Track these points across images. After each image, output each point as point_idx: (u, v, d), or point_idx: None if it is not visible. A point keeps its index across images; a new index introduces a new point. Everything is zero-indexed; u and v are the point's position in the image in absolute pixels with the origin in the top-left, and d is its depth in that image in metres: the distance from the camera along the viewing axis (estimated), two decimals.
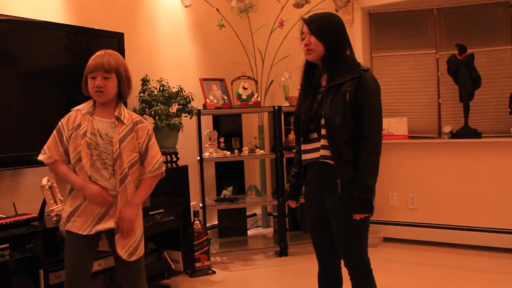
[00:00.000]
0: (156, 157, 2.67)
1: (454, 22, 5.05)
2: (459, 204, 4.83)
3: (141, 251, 2.67)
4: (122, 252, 2.58)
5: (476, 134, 4.76)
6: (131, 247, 2.61)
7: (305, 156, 2.58)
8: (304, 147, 2.58)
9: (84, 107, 2.64)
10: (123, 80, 2.62)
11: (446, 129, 4.97)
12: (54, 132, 2.63)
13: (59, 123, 2.64)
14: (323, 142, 2.44)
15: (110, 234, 2.61)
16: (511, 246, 4.57)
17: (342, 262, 2.61)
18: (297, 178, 2.71)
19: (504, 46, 4.83)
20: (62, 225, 2.61)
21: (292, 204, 2.80)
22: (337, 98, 2.40)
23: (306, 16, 2.56)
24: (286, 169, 5.11)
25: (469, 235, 4.76)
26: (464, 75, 4.76)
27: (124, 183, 2.57)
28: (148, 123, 2.73)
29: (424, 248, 4.87)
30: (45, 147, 2.62)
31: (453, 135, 4.89)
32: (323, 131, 2.44)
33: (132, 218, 2.58)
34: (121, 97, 2.67)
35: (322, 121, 2.43)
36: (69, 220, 2.58)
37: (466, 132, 4.81)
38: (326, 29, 2.47)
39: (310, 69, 2.61)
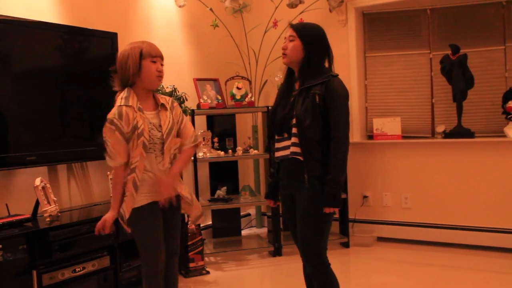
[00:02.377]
0: (192, 130, 2.87)
1: (447, 22, 5.06)
2: (452, 204, 4.84)
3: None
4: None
5: (469, 134, 4.78)
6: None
7: (277, 154, 2.76)
8: (277, 145, 2.76)
9: (131, 102, 2.64)
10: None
11: (440, 129, 4.98)
12: (117, 134, 2.59)
13: (116, 121, 2.59)
14: (294, 140, 2.63)
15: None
16: (504, 245, 4.59)
17: None
18: (275, 178, 2.86)
19: (497, 46, 4.84)
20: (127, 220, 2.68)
21: (271, 203, 2.96)
22: (308, 100, 2.59)
23: (294, 22, 2.78)
24: None
25: (463, 234, 4.78)
26: (457, 75, 4.78)
27: (174, 160, 2.77)
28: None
29: (418, 248, 4.89)
30: (112, 150, 2.62)
31: (447, 135, 4.90)
32: (294, 130, 2.62)
33: (169, 188, 2.70)
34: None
35: (293, 121, 2.62)
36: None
37: (459, 132, 4.82)
38: (308, 37, 2.67)
39: (290, 74, 2.81)
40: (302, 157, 2.60)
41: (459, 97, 4.81)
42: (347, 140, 2.62)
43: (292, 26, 2.73)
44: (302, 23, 2.82)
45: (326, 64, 2.74)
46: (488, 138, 4.77)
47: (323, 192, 2.55)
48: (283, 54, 2.73)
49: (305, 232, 2.65)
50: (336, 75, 2.67)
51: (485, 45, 4.89)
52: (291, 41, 2.69)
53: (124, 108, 2.60)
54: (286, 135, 2.68)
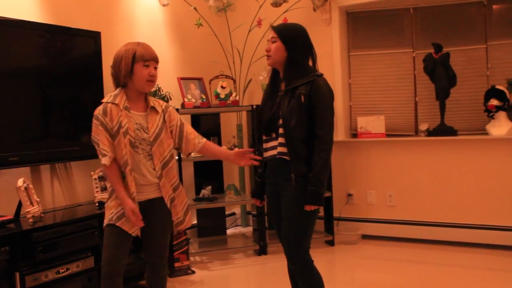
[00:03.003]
0: (194, 136, 2.92)
1: (430, 21, 5.10)
2: (436, 201, 4.88)
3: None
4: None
5: (452, 132, 4.82)
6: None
7: (265, 154, 2.79)
8: (265, 145, 2.80)
9: (119, 100, 2.64)
10: None
11: (423, 127, 5.02)
12: (101, 128, 2.60)
13: (100, 117, 2.61)
14: (281, 140, 2.66)
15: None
16: (488, 241, 4.64)
17: None
18: (262, 177, 2.88)
19: (479, 45, 4.89)
20: (111, 220, 2.66)
21: (257, 202, 3.00)
22: (293, 100, 2.62)
23: (277, 22, 2.82)
24: None
25: (447, 231, 4.82)
26: (440, 74, 4.82)
27: (166, 167, 2.74)
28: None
29: (403, 245, 4.91)
30: (103, 146, 2.60)
31: (430, 133, 4.94)
32: (280, 130, 2.65)
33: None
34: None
35: (280, 121, 2.65)
36: (120, 219, 2.65)
37: (442, 130, 4.86)
38: (290, 38, 2.69)
39: (275, 75, 2.83)
40: (288, 157, 2.63)
41: (442, 95, 4.85)
42: (331, 139, 2.65)
43: (273, 27, 2.76)
44: (283, 24, 2.84)
45: (311, 63, 2.76)
46: (471, 136, 4.82)
47: (304, 190, 2.58)
48: (267, 56, 2.75)
49: (289, 230, 2.67)
50: (321, 75, 2.69)
51: (467, 44, 4.94)
52: (273, 42, 2.71)
53: (109, 105, 2.62)
54: (274, 135, 2.70)
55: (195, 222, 5.31)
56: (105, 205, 2.74)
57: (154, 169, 2.69)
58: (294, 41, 2.69)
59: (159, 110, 2.77)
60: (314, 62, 2.77)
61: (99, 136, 2.61)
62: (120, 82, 2.67)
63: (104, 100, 2.67)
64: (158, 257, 2.83)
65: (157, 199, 2.74)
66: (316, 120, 2.61)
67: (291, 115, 2.60)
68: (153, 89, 4.41)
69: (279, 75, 2.80)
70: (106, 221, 2.68)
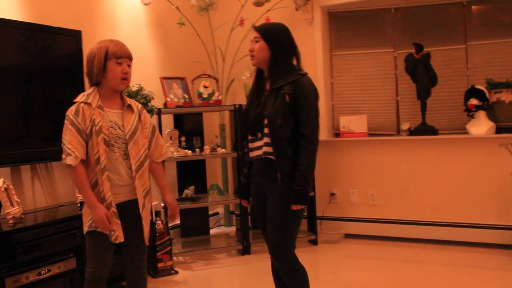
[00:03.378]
0: (163, 144, 2.90)
1: (411, 21, 5.14)
2: (418, 200, 4.92)
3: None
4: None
5: (433, 131, 4.86)
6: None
7: (251, 154, 2.79)
8: (250, 145, 2.80)
9: (91, 99, 2.61)
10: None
11: (404, 126, 5.06)
12: (70, 127, 2.55)
13: (71, 117, 2.56)
14: (266, 139, 2.66)
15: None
16: (468, 239, 4.69)
17: None
18: (247, 178, 2.89)
19: (459, 45, 4.94)
20: (90, 226, 2.63)
21: (244, 203, 2.99)
22: (278, 100, 2.62)
23: (257, 25, 2.82)
24: None
25: (428, 229, 4.86)
26: (421, 73, 4.85)
27: (141, 169, 2.69)
28: None
29: (385, 244, 4.94)
30: (69, 145, 2.54)
31: (411, 132, 4.98)
32: (266, 130, 2.65)
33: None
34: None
35: (265, 121, 2.65)
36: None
37: (423, 129, 4.90)
38: (272, 37, 2.69)
39: (260, 74, 2.82)
40: (274, 156, 2.63)
41: (423, 95, 4.89)
42: (316, 138, 2.66)
43: (255, 28, 2.76)
44: (266, 24, 2.85)
45: (295, 62, 2.76)
46: (451, 135, 4.86)
47: (290, 189, 2.59)
48: (251, 56, 2.75)
49: (275, 229, 2.67)
50: (305, 74, 2.70)
51: (447, 44, 4.99)
52: (256, 42, 2.72)
53: (81, 105, 2.58)
54: (259, 135, 2.71)
55: (178, 222, 5.29)
56: (82, 211, 2.69)
57: (130, 168, 2.66)
58: (277, 40, 2.69)
59: (135, 109, 2.75)
60: (298, 61, 2.77)
61: (66, 135, 2.55)
62: (93, 80, 2.64)
63: (76, 100, 2.62)
64: (137, 259, 2.80)
65: (134, 201, 2.71)
66: (301, 119, 2.61)
67: (276, 115, 2.59)
68: (135, 88, 4.38)
69: (264, 74, 2.79)
70: (85, 228, 2.65)
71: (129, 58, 2.67)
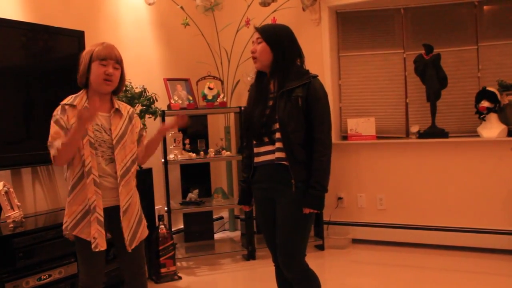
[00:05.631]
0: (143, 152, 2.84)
1: (420, 22, 5.08)
2: (427, 204, 4.85)
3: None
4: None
5: (443, 134, 4.79)
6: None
7: (258, 159, 2.69)
8: (257, 150, 2.70)
9: (77, 102, 2.59)
10: (123, 75, 2.69)
11: (414, 129, 4.99)
12: (54, 124, 2.55)
13: (57, 116, 2.55)
14: (278, 144, 2.58)
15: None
16: (479, 245, 4.61)
17: None
18: (247, 183, 2.82)
19: (470, 46, 4.87)
20: (69, 229, 2.59)
21: (246, 208, 2.95)
22: (290, 103, 2.55)
23: (259, 26, 2.75)
24: None
25: (438, 235, 4.78)
26: (431, 75, 4.79)
27: (127, 175, 2.63)
28: None
29: (393, 249, 4.88)
30: (51, 139, 2.53)
31: (421, 135, 4.91)
32: (277, 135, 2.58)
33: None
34: (116, 92, 2.71)
35: (276, 126, 2.57)
36: (75, 228, 2.57)
37: (433, 132, 4.83)
38: (276, 38, 2.63)
39: (260, 77, 2.76)
40: (287, 162, 2.55)
41: (433, 97, 4.82)
42: (330, 142, 2.60)
43: (257, 28, 2.70)
44: (268, 24, 2.78)
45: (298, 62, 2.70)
46: (462, 138, 4.79)
47: (306, 194, 2.54)
48: (253, 58, 2.69)
49: (286, 236, 2.60)
50: (316, 76, 2.64)
51: (458, 45, 4.92)
52: (259, 43, 2.65)
53: (66, 106, 2.58)
54: (266, 140, 2.62)
55: (182, 226, 5.23)
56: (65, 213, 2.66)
57: (116, 173, 2.60)
58: (280, 41, 2.63)
59: (124, 113, 2.70)
60: (302, 62, 2.71)
61: (52, 130, 2.54)
62: (78, 81, 2.63)
63: (63, 102, 2.60)
64: (135, 267, 2.74)
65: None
66: (314, 123, 2.56)
67: (289, 119, 2.53)
68: (139, 90, 4.32)
69: (265, 76, 2.72)
70: (63, 228, 2.63)
71: (116, 60, 2.61)
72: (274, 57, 2.62)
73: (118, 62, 2.62)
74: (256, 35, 2.68)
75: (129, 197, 2.66)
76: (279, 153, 2.57)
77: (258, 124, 2.64)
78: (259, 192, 2.75)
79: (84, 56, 2.60)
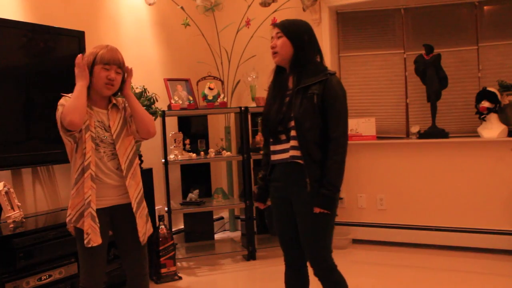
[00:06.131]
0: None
1: (421, 22, 5.07)
2: (427, 205, 4.84)
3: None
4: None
5: (443, 134, 4.78)
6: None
7: (274, 157, 2.65)
8: (273, 148, 2.66)
9: None
10: (124, 78, 2.69)
11: (414, 129, 4.98)
12: (59, 107, 2.54)
13: (64, 102, 2.54)
14: (293, 143, 2.53)
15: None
16: (479, 245, 4.60)
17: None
18: (265, 180, 2.77)
19: (470, 46, 4.86)
20: (73, 222, 2.58)
21: (261, 206, 2.86)
22: (306, 100, 2.50)
23: (277, 22, 2.68)
24: (254, 171, 5.03)
25: (438, 235, 4.78)
26: (431, 75, 4.78)
27: (132, 167, 2.65)
28: None
29: (394, 249, 4.86)
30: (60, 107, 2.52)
31: (421, 135, 4.90)
32: (292, 133, 2.53)
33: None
34: (115, 94, 2.73)
35: (292, 123, 2.52)
36: (78, 221, 2.56)
37: (433, 132, 4.82)
38: (296, 32, 2.59)
39: (279, 72, 2.70)
40: (302, 161, 2.51)
41: (433, 97, 4.81)
42: (346, 141, 2.54)
43: (275, 24, 2.66)
44: (287, 20, 2.71)
45: (317, 58, 2.65)
46: (462, 138, 4.79)
47: (318, 193, 2.48)
48: (273, 53, 2.63)
49: (308, 235, 2.57)
50: (334, 73, 2.57)
51: (458, 45, 4.91)
52: (278, 38, 2.60)
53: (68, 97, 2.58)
54: (283, 137, 2.58)
55: (182, 226, 5.22)
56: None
57: (118, 168, 2.61)
58: (300, 36, 2.58)
59: (120, 107, 2.73)
60: (322, 58, 2.65)
61: (62, 107, 2.51)
62: None
63: (65, 95, 2.61)
64: (137, 268, 2.73)
65: (124, 206, 2.64)
66: (330, 121, 2.50)
67: (304, 117, 2.48)
68: (139, 90, 4.32)
69: (283, 73, 2.67)
70: (66, 221, 2.61)
71: (118, 65, 2.62)
72: (295, 51, 2.57)
73: (121, 67, 2.63)
74: (276, 30, 2.63)
75: (139, 189, 2.67)
76: (294, 152, 2.53)
77: (275, 121, 2.60)
78: (275, 191, 2.70)
79: (88, 57, 2.60)
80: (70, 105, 2.46)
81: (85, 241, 2.50)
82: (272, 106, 2.64)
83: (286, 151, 2.57)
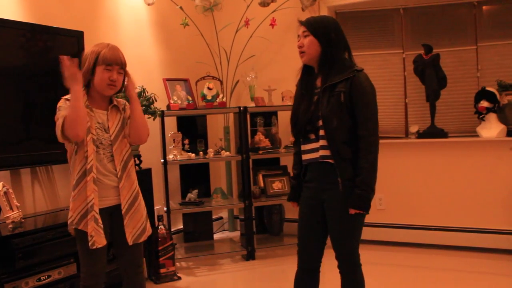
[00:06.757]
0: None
1: (420, 22, 5.07)
2: (426, 204, 4.84)
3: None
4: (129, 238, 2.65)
5: (442, 134, 4.79)
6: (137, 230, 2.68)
7: (305, 157, 2.64)
8: (303, 147, 2.64)
9: None
10: (125, 78, 2.69)
11: (413, 129, 4.98)
12: (58, 110, 2.54)
13: (62, 104, 2.55)
14: (322, 142, 2.50)
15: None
16: (479, 245, 4.60)
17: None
18: (298, 179, 2.75)
19: (469, 46, 4.87)
20: (75, 224, 2.57)
21: (294, 205, 2.82)
22: (333, 99, 2.46)
23: (304, 20, 2.62)
24: (253, 171, 5.03)
25: (437, 234, 4.78)
26: (430, 75, 4.78)
27: (127, 168, 2.66)
28: None
29: (393, 249, 4.87)
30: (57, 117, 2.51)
31: (420, 135, 4.90)
32: (321, 132, 2.50)
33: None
34: (116, 93, 2.73)
35: (320, 122, 2.49)
36: (80, 222, 2.56)
37: (432, 132, 4.83)
38: (323, 30, 2.54)
39: (307, 72, 2.67)
40: (332, 160, 2.48)
41: (432, 97, 4.81)
42: (376, 139, 2.49)
43: (302, 22, 2.60)
44: (313, 17, 2.63)
45: (346, 56, 2.61)
46: (461, 138, 4.79)
47: (351, 194, 2.45)
48: (301, 52, 2.58)
49: (342, 238, 2.56)
50: (361, 70, 2.53)
51: (457, 45, 4.92)
52: (305, 37, 2.56)
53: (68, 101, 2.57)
54: (313, 137, 2.55)
55: (181, 226, 5.22)
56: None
57: (115, 169, 2.62)
58: (327, 34, 2.53)
59: (120, 108, 2.73)
60: (350, 55, 2.60)
61: (61, 112, 2.51)
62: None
63: (65, 97, 2.60)
64: (133, 265, 2.74)
65: (120, 206, 2.66)
66: (358, 119, 2.45)
67: (331, 115, 2.44)
68: (138, 90, 4.31)
69: (311, 71, 2.64)
70: (68, 223, 2.61)
71: (120, 65, 2.61)
72: (322, 49, 2.53)
73: (123, 67, 2.62)
74: (302, 28, 2.58)
75: (132, 191, 2.67)
76: (323, 151, 2.50)
77: (303, 120, 2.57)
78: (307, 191, 2.67)
79: (89, 56, 2.58)
80: (71, 118, 2.44)
81: (90, 243, 2.51)
82: (300, 105, 2.62)
83: (316, 150, 2.54)
